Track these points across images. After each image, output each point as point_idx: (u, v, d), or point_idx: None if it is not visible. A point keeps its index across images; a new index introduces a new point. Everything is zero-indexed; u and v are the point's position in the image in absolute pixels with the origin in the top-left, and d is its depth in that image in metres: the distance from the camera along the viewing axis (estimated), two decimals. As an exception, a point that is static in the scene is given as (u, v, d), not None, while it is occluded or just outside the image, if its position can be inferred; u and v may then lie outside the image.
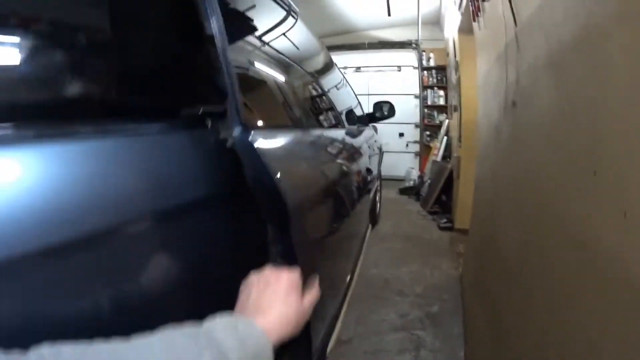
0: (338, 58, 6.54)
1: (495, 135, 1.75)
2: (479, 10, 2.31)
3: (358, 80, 6.54)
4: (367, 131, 2.86)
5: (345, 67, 6.56)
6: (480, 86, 2.54)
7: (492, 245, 1.59)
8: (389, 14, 5.14)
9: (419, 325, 2.20)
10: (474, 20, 2.50)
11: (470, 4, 2.62)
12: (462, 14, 3.36)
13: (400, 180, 6.21)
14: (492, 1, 1.88)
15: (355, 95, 3.23)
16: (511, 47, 1.42)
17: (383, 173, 5.93)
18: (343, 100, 2.47)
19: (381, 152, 3.59)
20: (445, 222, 4.08)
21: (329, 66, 2.43)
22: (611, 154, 0.63)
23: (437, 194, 4.59)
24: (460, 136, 3.87)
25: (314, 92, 1.86)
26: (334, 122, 1.99)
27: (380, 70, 6.58)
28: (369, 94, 6.51)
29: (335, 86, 2.43)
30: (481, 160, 2.31)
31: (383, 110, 3.34)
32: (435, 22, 5.97)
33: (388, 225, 4.14)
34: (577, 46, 0.80)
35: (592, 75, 0.73)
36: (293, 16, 1.68)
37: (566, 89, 0.87)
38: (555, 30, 0.94)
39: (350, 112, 2.57)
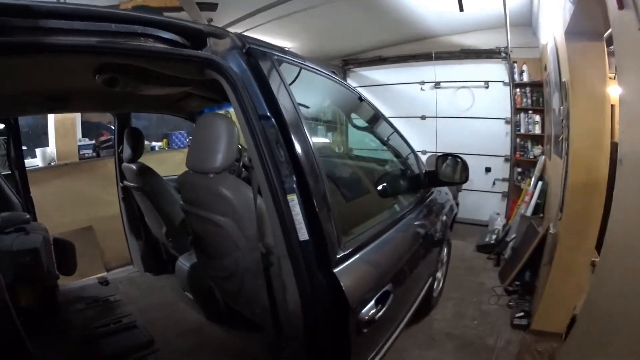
0: (412, 71, 5.52)
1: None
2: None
3: (439, 97, 5.37)
4: (437, 198, 2.56)
5: (422, 82, 5.39)
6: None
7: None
8: (461, 9, 3.83)
9: None
10: (621, 8, 1.27)
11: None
12: (575, 7, 2.05)
13: (483, 225, 4.87)
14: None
15: (409, 145, 2.49)
16: None
17: (463, 216, 4.84)
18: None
19: (454, 215, 2.94)
20: (521, 317, 2.76)
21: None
22: None
23: (520, 267, 3.23)
24: (562, 200, 2.51)
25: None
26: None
27: (464, 87, 5.20)
28: (450, 116, 5.29)
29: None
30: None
31: (452, 170, 2.19)
32: (526, 22, 4.39)
33: (447, 312, 2.95)
34: None
35: None
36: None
37: None
38: None
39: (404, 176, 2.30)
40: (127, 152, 2.48)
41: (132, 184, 2.54)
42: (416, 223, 2.05)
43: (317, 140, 2.06)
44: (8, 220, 2.21)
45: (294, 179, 1.23)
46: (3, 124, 2.55)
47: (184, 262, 2.25)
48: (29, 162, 3.41)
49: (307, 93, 1.68)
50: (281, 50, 1.49)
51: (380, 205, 1.96)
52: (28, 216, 2.33)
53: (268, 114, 1.23)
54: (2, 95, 1.63)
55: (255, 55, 1.30)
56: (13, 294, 2.02)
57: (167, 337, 2.14)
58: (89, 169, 3.83)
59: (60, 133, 3.66)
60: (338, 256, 1.30)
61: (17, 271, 2.04)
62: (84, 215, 3.58)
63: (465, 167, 2.14)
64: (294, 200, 1.21)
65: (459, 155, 2.17)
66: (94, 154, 3.96)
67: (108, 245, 3.58)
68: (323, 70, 1.82)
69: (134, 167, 2.47)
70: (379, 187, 1.95)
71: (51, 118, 3.66)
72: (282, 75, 1.35)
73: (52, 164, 3.57)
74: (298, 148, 1.27)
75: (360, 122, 2.52)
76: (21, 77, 1.39)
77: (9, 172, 2.60)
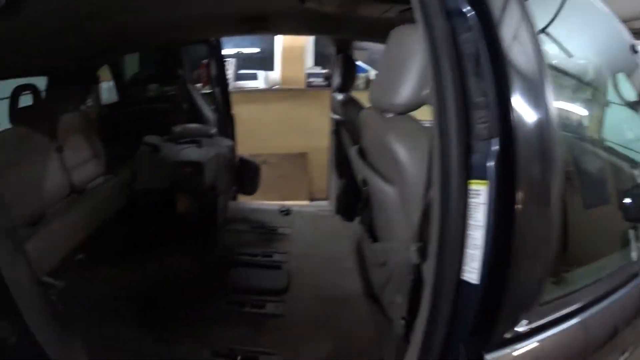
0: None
1: None
2: None
3: None
4: None
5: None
6: None
7: None
8: None
9: None
10: None
11: None
12: None
13: None
14: None
15: None
16: None
17: None
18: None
19: None
20: None
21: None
22: None
23: None
24: None
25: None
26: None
27: None
28: None
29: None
30: None
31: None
32: None
33: None
34: None
35: None
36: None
37: None
38: None
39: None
40: (336, 79, 2.29)
41: (336, 116, 2.27)
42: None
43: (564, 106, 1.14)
44: (188, 132, 2.24)
45: (496, 151, 0.66)
46: (205, 44, 2.62)
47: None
48: (250, 84, 3.62)
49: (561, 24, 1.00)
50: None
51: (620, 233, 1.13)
52: (213, 131, 2.32)
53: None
54: (201, 16, 1.66)
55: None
56: (170, 199, 2.06)
57: (304, 293, 1.81)
58: (314, 96, 3.77)
59: (287, 59, 3.72)
60: (520, 329, 0.73)
61: (177, 180, 2.04)
62: (300, 141, 3.58)
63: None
64: (480, 193, 0.67)
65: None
66: (325, 83, 3.82)
67: (318, 175, 3.47)
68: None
69: (340, 97, 2.22)
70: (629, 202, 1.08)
71: (279, 44, 3.71)
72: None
73: (274, 87, 3.65)
74: (523, 106, 0.68)
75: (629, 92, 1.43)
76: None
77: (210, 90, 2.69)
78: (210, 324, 1.64)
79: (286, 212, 2.58)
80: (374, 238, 1.31)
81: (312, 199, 3.30)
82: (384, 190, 1.05)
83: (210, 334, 1.58)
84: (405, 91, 0.96)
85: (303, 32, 2.84)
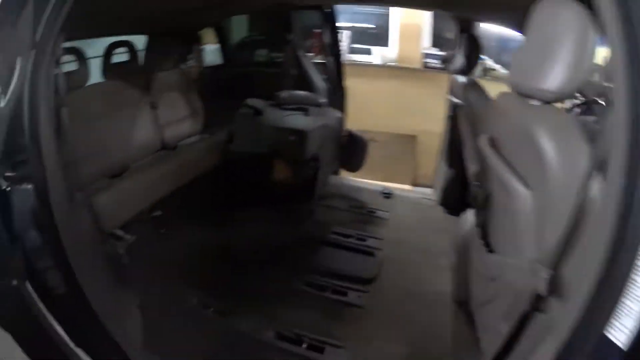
0: None
1: None
2: None
3: None
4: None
5: None
6: None
7: None
8: None
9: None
10: None
11: None
12: None
13: None
14: None
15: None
16: None
17: None
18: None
19: None
20: None
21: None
22: None
23: None
24: None
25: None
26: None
27: None
28: None
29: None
30: None
31: None
32: None
33: None
34: None
35: None
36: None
37: None
38: None
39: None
40: (458, 61, 2.11)
41: (456, 100, 2.05)
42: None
43: None
44: (294, 98, 2.16)
45: None
46: (319, 11, 2.50)
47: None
48: (363, 58, 3.52)
49: None
50: None
51: None
52: (322, 101, 2.20)
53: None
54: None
55: None
56: (267, 165, 2.00)
57: (391, 287, 1.65)
58: (429, 78, 3.56)
59: (404, 36, 3.58)
60: None
61: (277, 146, 1.96)
62: (410, 122, 3.40)
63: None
64: None
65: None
66: (442, 66, 3.54)
67: (426, 160, 3.23)
68: None
69: (461, 80, 2.05)
70: None
71: (395, 21, 3.57)
72: None
73: (389, 64, 3.51)
74: None
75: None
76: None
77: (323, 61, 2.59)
78: (282, 303, 1.53)
79: (388, 194, 2.39)
80: (488, 245, 1.10)
81: (415, 184, 3.12)
82: (516, 192, 0.87)
83: (280, 314, 1.47)
84: (559, 75, 0.78)
85: (425, 6, 2.57)
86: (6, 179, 0.81)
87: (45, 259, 0.88)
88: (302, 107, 2.12)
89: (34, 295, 0.80)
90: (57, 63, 1.36)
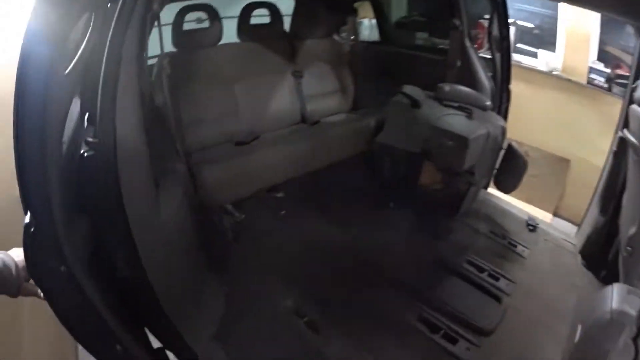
0: None
1: None
2: None
3: None
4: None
5: None
6: None
7: None
8: None
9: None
10: None
11: None
12: None
13: None
14: None
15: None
16: None
17: None
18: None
19: None
20: None
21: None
22: None
23: None
24: None
25: None
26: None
27: None
28: None
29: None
30: None
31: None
32: None
33: None
34: None
35: None
36: None
37: None
38: None
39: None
40: None
41: (630, 137, 1.56)
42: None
43: None
44: (458, 95, 1.86)
45: None
46: None
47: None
48: (527, 60, 3.20)
49: None
50: None
51: None
52: (488, 103, 1.88)
53: None
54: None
55: None
56: (414, 165, 1.80)
57: (504, 347, 1.38)
58: (594, 97, 3.05)
59: (570, 44, 3.08)
60: None
61: (430, 148, 1.70)
62: (567, 144, 2.99)
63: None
64: None
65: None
66: (606, 85, 3.07)
67: (574, 191, 2.84)
68: None
69: None
70: None
71: (562, 24, 3.10)
72: None
73: (553, 72, 3.11)
74: None
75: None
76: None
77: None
78: (386, 335, 1.32)
79: (533, 227, 2.02)
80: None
81: (556, 214, 2.80)
82: None
83: (377, 346, 1.27)
84: None
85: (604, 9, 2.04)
86: (87, 143, 0.77)
87: (111, 236, 0.84)
88: (464, 106, 1.81)
89: (87, 280, 0.74)
90: (153, 20, 1.25)
